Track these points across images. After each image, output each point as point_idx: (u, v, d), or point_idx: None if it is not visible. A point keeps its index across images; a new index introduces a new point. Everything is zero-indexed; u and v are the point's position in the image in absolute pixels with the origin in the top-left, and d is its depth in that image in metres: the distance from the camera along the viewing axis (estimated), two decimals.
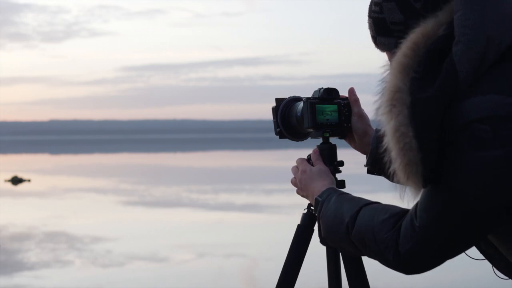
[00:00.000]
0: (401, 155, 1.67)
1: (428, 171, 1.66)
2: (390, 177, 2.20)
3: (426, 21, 1.75)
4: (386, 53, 1.92)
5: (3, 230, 13.76)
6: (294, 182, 2.22)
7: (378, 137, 2.17)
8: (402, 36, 1.81)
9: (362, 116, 2.23)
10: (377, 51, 1.94)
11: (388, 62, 1.90)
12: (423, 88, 1.66)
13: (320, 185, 2.08)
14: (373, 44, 1.95)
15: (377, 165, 2.19)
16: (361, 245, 1.83)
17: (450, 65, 1.66)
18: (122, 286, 8.85)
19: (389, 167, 1.73)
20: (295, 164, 2.23)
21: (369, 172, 2.24)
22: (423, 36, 1.72)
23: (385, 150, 1.73)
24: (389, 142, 1.70)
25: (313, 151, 2.24)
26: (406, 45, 1.73)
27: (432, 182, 1.68)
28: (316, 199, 2.03)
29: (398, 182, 1.77)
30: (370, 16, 1.92)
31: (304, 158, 2.24)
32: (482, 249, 1.90)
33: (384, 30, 1.87)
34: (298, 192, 2.21)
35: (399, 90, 1.69)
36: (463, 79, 1.65)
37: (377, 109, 1.76)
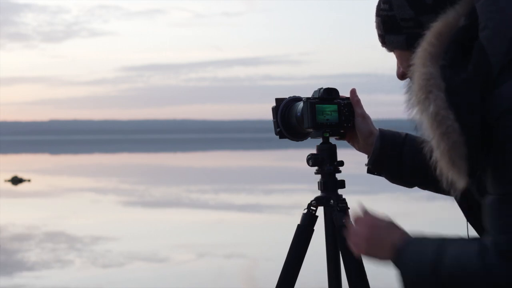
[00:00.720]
0: (444, 139, 1.63)
1: (473, 155, 1.63)
2: (395, 178, 2.19)
3: (446, 13, 1.74)
4: (395, 52, 1.90)
5: (3, 230, 13.76)
6: (357, 242, 1.89)
7: (384, 136, 2.16)
8: (411, 32, 1.80)
9: (365, 116, 2.22)
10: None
11: (397, 62, 1.90)
12: (455, 74, 1.65)
13: (399, 234, 1.80)
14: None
15: (378, 165, 2.18)
16: (455, 285, 1.65)
17: (480, 50, 1.64)
18: (122, 286, 8.86)
19: (424, 159, 1.69)
20: (354, 220, 1.92)
21: (369, 171, 2.23)
22: (446, 26, 1.71)
23: (423, 141, 1.70)
24: (428, 129, 1.66)
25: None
26: (431, 34, 1.72)
27: (476, 173, 1.65)
28: (397, 249, 1.76)
29: (439, 174, 1.69)
30: (378, 15, 1.90)
31: (368, 212, 1.90)
32: None
33: (393, 28, 1.86)
34: (360, 251, 1.90)
35: (432, 77, 1.67)
36: (495, 62, 1.64)
37: (409, 99, 1.73)
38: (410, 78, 1.83)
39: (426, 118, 1.67)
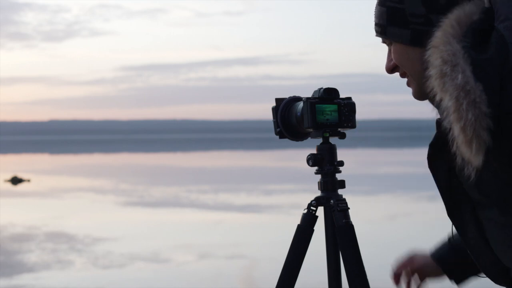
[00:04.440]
0: (472, 109, 1.63)
1: (496, 129, 1.63)
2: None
3: (461, 5, 1.76)
4: (393, 45, 1.87)
5: (3, 230, 13.75)
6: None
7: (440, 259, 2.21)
8: (418, 29, 1.80)
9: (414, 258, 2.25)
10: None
11: (391, 56, 1.89)
12: (478, 53, 1.67)
13: None
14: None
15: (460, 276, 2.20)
16: None
17: (499, 38, 1.67)
18: (122, 286, 8.86)
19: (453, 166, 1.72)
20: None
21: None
22: (465, 14, 1.73)
23: (444, 114, 1.69)
24: (452, 100, 1.66)
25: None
26: (451, 18, 1.74)
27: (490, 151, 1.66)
28: None
29: (455, 151, 1.69)
30: (383, 5, 1.87)
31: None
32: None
33: (399, 21, 1.84)
34: None
35: (457, 52, 1.67)
36: None
37: (437, 73, 1.70)
38: (401, 73, 1.87)
39: (451, 89, 1.66)
